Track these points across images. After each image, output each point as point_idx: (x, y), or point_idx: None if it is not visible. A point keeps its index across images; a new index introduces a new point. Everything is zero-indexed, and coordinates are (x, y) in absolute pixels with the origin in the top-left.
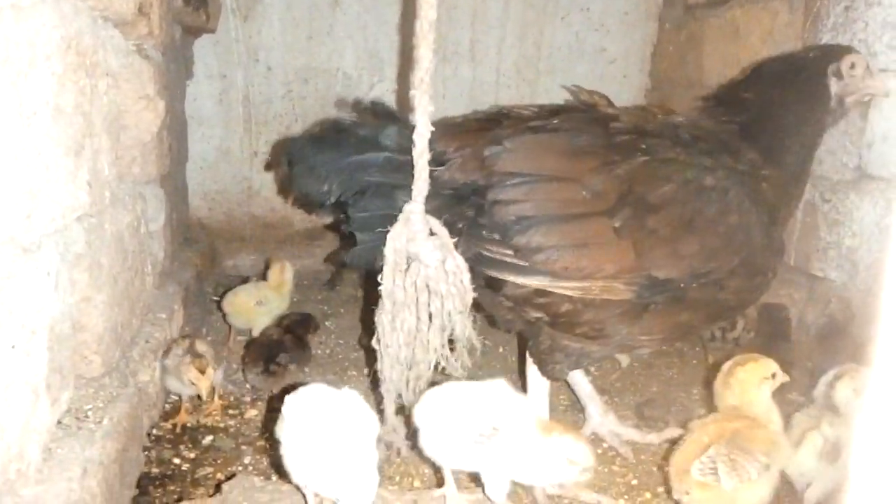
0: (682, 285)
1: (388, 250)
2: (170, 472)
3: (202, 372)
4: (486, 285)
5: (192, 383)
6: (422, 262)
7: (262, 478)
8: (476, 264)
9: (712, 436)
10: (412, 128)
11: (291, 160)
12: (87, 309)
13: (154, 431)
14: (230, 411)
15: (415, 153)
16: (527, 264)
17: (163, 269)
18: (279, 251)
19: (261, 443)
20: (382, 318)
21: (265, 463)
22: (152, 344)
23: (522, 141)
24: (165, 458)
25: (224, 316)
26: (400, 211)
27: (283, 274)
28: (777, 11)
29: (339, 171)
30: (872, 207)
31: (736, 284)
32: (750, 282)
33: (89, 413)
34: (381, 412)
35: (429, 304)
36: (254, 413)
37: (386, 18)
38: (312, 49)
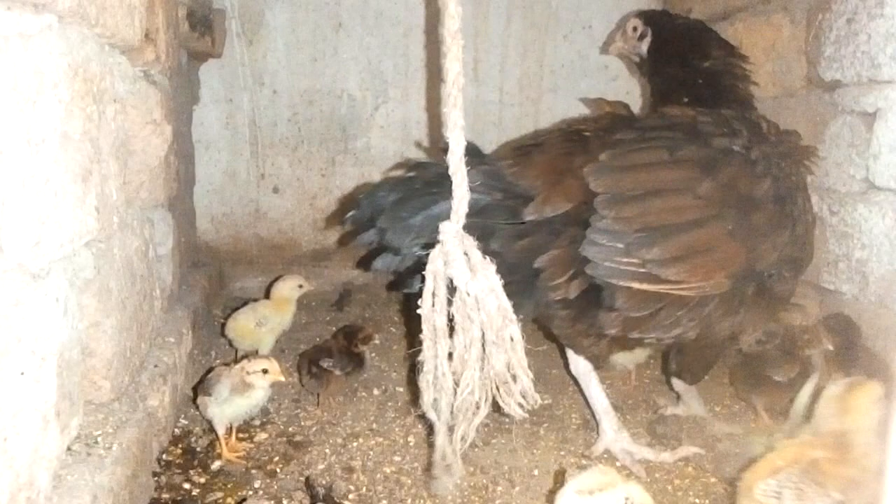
0: (769, 273)
1: (428, 273)
2: (180, 498)
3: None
4: (586, 304)
5: (268, 371)
6: (458, 286)
7: (272, 502)
8: (606, 276)
9: (788, 460)
10: (496, 165)
11: (375, 214)
12: (96, 334)
13: (164, 456)
14: (239, 435)
15: (451, 170)
16: (656, 273)
17: (171, 292)
18: (287, 272)
19: (271, 467)
20: (425, 344)
21: (276, 487)
22: (161, 368)
23: (624, 156)
24: (176, 483)
25: (230, 342)
26: (492, 251)
27: (292, 291)
28: (780, 25)
29: (431, 219)
30: (881, 219)
31: (805, 262)
32: (811, 258)
33: (99, 439)
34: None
35: (469, 332)
36: (264, 437)
37: (388, 39)
38: (317, 71)
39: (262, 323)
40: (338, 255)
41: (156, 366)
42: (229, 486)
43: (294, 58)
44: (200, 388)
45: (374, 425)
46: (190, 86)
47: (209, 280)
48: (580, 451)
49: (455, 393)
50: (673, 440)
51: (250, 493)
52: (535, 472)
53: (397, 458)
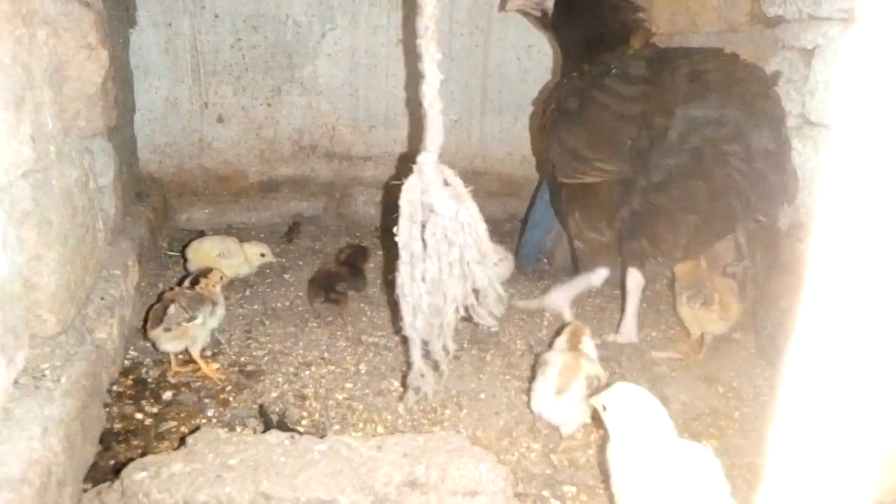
0: None
1: (403, 202)
2: (133, 428)
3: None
4: None
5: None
6: (437, 213)
7: (226, 430)
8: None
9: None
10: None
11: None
12: (38, 267)
13: (114, 388)
14: (192, 364)
15: (426, 103)
16: None
17: (115, 224)
18: (234, 204)
19: (223, 396)
20: (402, 269)
21: (229, 415)
22: (108, 301)
23: None
24: (128, 413)
25: (184, 262)
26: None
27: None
28: None
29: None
30: (814, 153)
31: None
32: None
33: (46, 372)
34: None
35: (448, 255)
36: (215, 367)
37: None
38: None
39: (224, 255)
40: (286, 186)
41: (102, 298)
42: (182, 415)
43: None
44: (170, 318)
45: (326, 354)
46: (126, 8)
47: (154, 212)
48: (525, 375)
49: (432, 311)
50: (613, 362)
51: (203, 421)
52: (482, 395)
53: (349, 385)
